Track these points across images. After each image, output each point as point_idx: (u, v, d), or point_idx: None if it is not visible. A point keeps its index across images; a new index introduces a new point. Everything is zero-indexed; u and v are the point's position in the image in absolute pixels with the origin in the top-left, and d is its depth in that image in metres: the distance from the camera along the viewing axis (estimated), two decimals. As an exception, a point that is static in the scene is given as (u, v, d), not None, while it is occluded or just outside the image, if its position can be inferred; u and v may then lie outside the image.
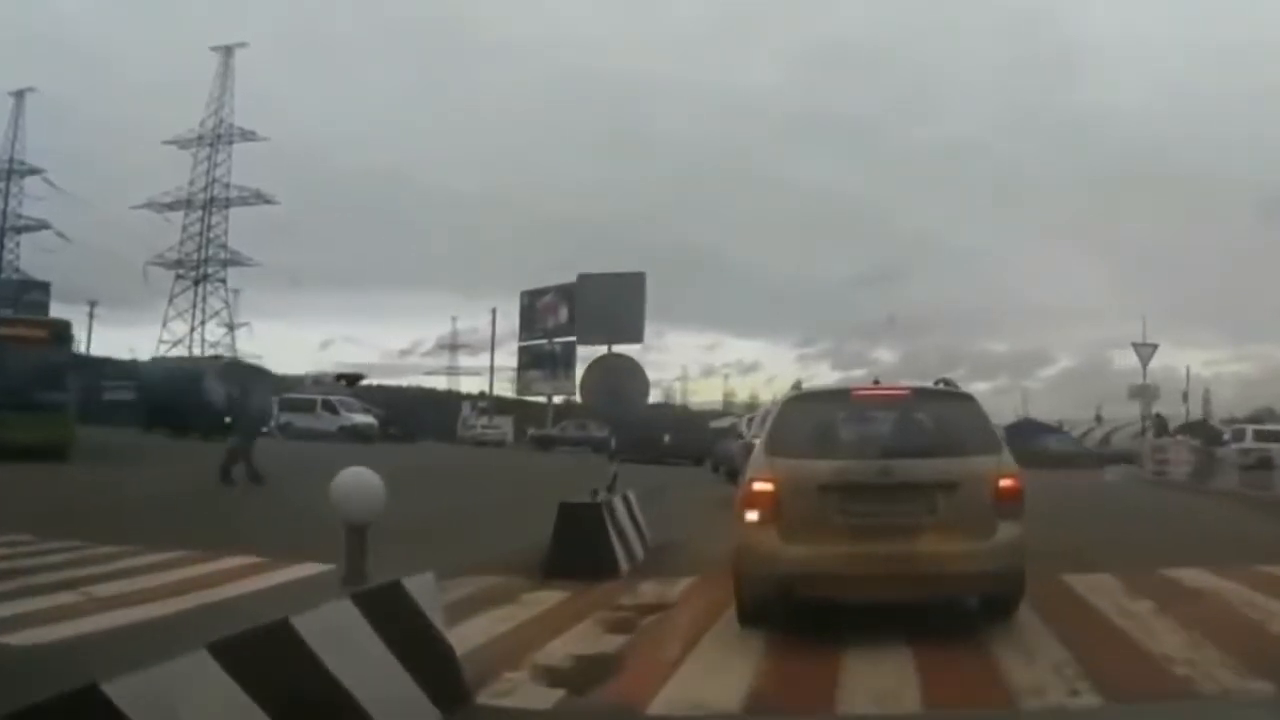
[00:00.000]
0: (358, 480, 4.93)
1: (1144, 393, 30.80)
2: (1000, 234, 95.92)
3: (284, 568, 8.96)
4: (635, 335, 9.50)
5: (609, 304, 9.46)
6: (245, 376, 31.71)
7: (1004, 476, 6.30)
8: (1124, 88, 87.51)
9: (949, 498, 6.17)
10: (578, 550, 8.88)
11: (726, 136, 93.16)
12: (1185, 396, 48.61)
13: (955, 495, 6.18)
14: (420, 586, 4.98)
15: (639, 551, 10.00)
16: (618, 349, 10.69)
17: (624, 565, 9.18)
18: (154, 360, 40.97)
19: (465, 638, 6.31)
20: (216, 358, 34.66)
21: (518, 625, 7.01)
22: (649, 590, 8.30)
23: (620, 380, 10.66)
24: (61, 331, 23.61)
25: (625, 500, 10.27)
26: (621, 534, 9.49)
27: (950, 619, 6.62)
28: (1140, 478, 27.08)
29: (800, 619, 6.43)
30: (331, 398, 44.23)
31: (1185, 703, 4.97)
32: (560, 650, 6.20)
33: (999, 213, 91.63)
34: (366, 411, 41.74)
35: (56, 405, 21.25)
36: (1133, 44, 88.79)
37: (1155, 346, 29.15)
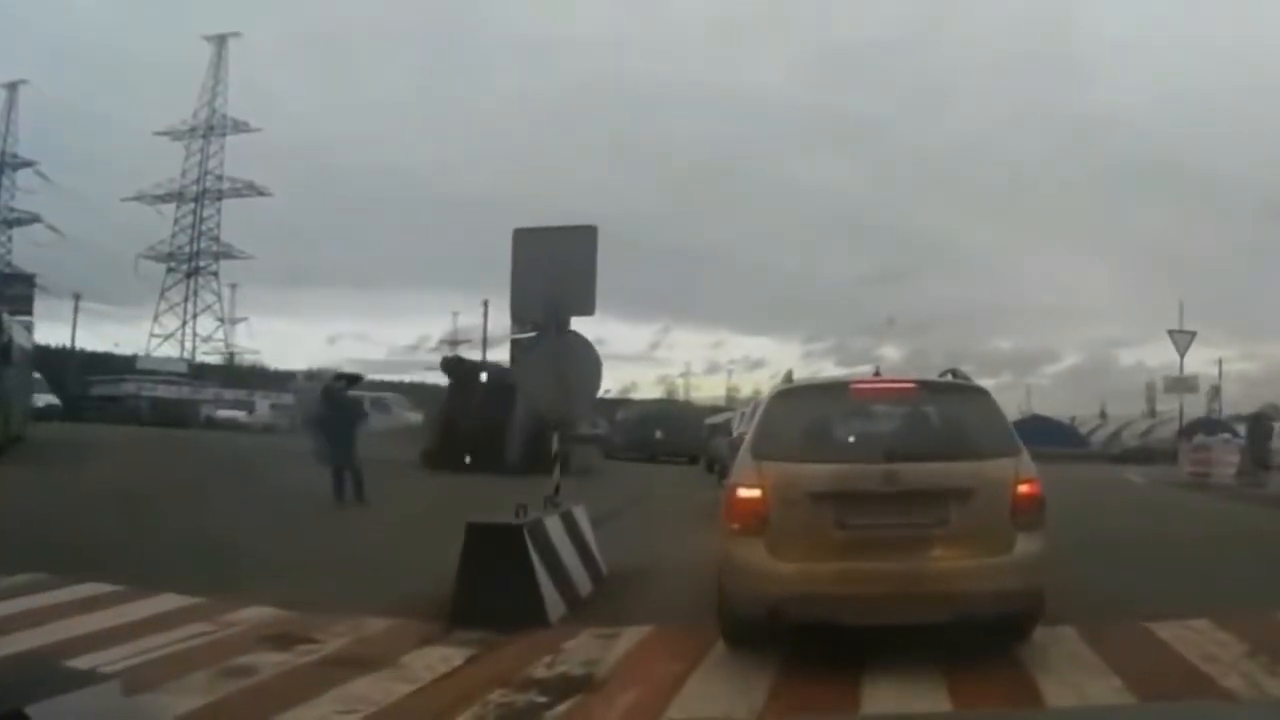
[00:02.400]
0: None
1: (1180, 385, 28.36)
2: (1007, 232, 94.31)
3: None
4: (585, 306, 7.80)
5: (552, 267, 7.77)
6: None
7: (1023, 482, 5.61)
8: (1130, 87, 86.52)
9: (962, 507, 5.48)
10: (490, 590, 6.59)
11: (733, 136, 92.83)
12: (1218, 391, 46.42)
13: (969, 504, 5.49)
14: (75, 713, 2.71)
15: (583, 585, 7.65)
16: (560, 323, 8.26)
17: (554, 609, 6.84)
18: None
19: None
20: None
21: (366, 717, 4.80)
22: (579, 650, 6.02)
23: (568, 362, 8.35)
24: None
25: (566, 518, 7.93)
26: (555, 565, 7.12)
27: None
28: (1173, 480, 24.70)
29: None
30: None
31: (1214, 702, 4.31)
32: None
33: (1006, 211, 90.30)
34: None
35: None
36: (1139, 43, 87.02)
37: (1193, 334, 26.78)
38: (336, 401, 15.82)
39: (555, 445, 8.54)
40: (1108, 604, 6.80)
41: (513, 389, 20.40)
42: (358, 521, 12.98)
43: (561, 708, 4.91)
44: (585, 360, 8.44)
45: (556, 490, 8.23)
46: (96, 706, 2.88)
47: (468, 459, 20.86)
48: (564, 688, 5.20)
